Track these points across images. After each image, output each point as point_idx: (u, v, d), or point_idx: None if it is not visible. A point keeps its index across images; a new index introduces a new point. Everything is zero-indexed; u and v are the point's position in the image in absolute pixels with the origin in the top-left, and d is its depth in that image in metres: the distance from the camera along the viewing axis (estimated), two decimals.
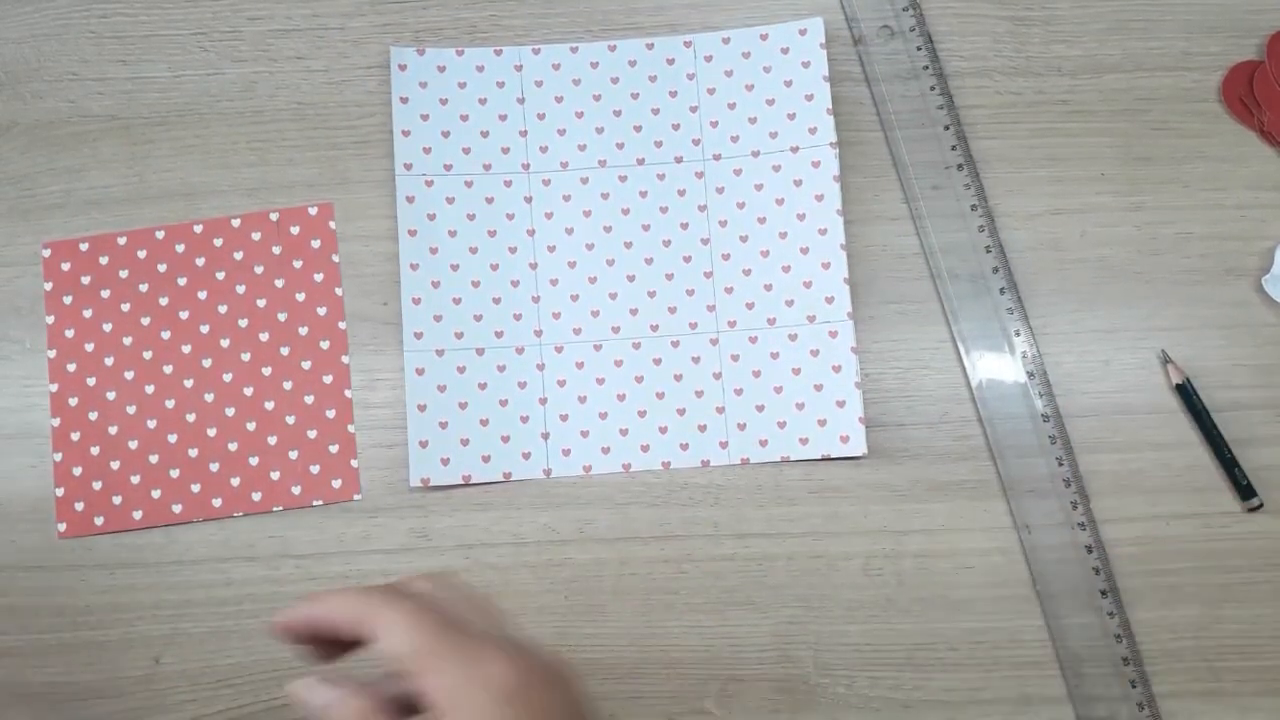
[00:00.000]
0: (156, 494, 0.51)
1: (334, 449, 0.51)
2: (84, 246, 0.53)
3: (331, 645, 0.33)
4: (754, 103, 0.54)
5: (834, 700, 0.49)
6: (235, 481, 0.51)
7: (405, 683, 0.30)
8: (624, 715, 0.49)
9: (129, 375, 0.52)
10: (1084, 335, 0.52)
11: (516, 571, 0.50)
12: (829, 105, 0.53)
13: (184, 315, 0.53)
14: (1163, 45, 0.54)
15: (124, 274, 0.53)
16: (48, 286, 0.53)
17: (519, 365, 0.52)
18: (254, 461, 0.51)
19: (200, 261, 0.53)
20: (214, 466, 0.51)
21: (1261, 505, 0.50)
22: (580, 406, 0.52)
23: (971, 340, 0.52)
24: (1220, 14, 0.55)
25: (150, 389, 0.52)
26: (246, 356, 0.52)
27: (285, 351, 0.52)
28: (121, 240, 0.53)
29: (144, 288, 0.53)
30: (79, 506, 0.51)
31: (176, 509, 0.51)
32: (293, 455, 0.51)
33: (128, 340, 0.52)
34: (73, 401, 0.52)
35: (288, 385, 0.52)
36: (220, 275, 0.53)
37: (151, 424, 0.52)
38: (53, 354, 0.52)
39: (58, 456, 0.51)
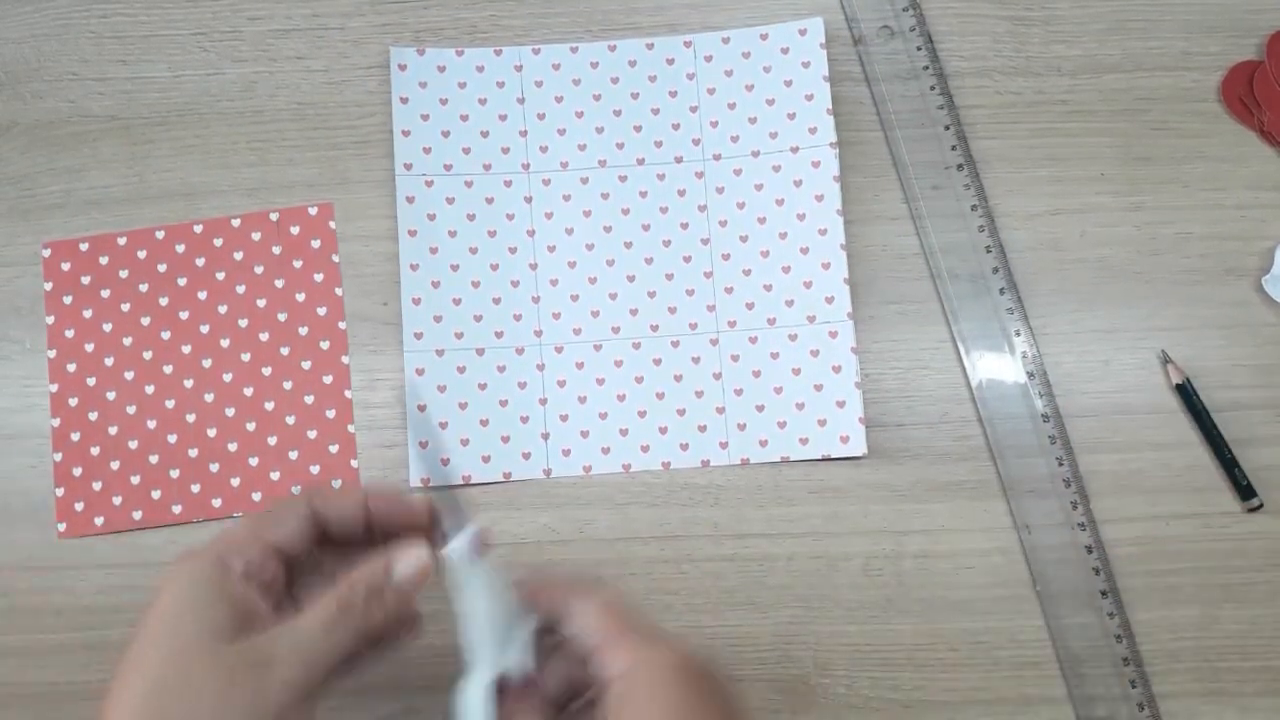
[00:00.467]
0: (156, 494, 0.51)
1: (334, 449, 0.51)
2: (84, 246, 0.53)
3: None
4: (754, 103, 0.54)
5: (834, 700, 0.49)
6: (235, 482, 0.51)
7: (590, 663, 0.35)
8: None
9: (129, 375, 0.52)
10: (1084, 335, 0.52)
11: (516, 572, 0.50)
12: (829, 105, 0.53)
13: (184, 315, 0.53)
14: (1163, 45, 0.54)
15: (124, 274, 0.53)
16: (48, 286, 0.53)
17: (519, 365, 0.52)
18: (254, 462, 0.51)
19: (200, 261, 0.53)
20: (214, 467, 0.51)
21: (1261, 505, 0.50)
22: (580, 407, 0.52)
23: (971, 340, 0.52)
24: (1220, 14, 0.55)
25: (150, 389, 0.52)
26: (246, 357, 0.52)
27: (285, 352, 0.52)
28: (121, 240, 0.53)
29: (144, 288, 0.53)
30: (79, 506, 0.51)
31: (176, 509, 0.51)
32: (293, 455, 0.51)
33: (128, 340, 0.52)
34: (73, 401, 0.52)
35: (288, 385, 0.52)
36: (220, 275, 0.53)
37: (151, 424, 0.52)
38: (53, 354, 0.52)
39: (58, 456, 0.51)
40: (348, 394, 0.52)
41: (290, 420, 0.52)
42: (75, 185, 0.54)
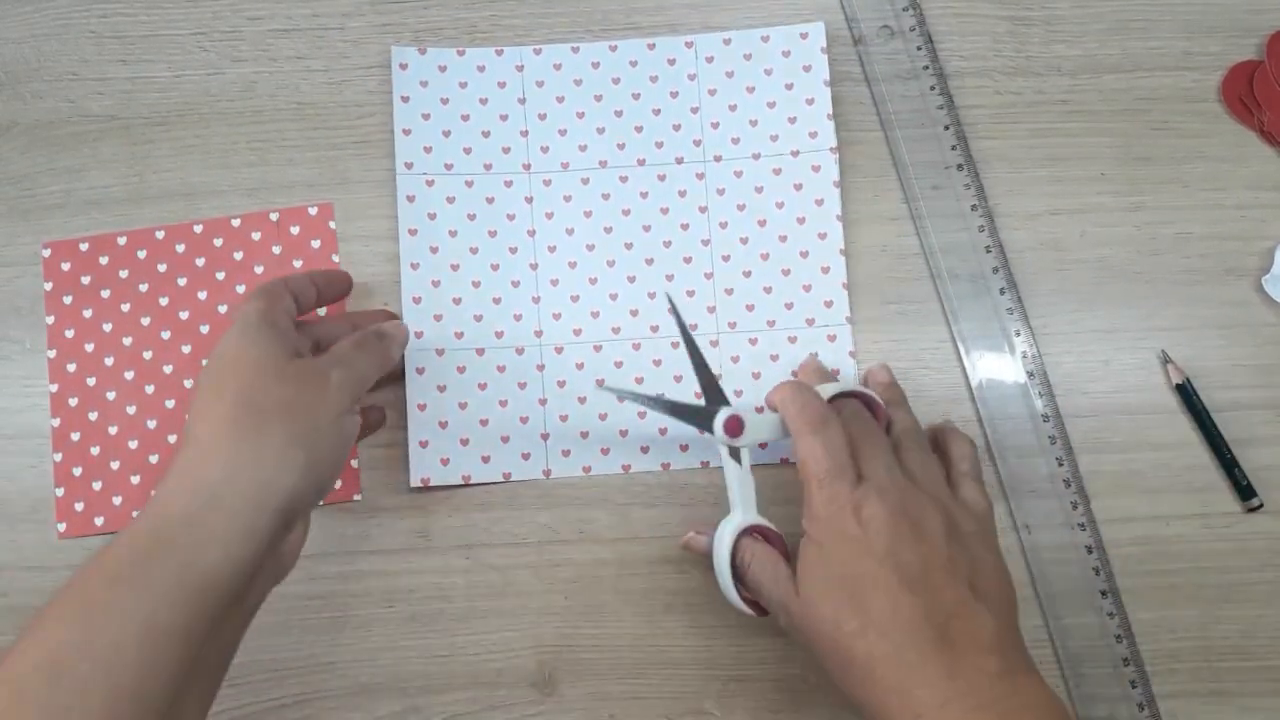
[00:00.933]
0: None
1: None
2: (84, 246, 0.53)
3: None
4: (755, 105, 0.54)
5: (834, 700, 0.49)
6: None
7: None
8: (624, 715, 0.49)
9: (129, 375, 0.52)
10: (1084, 335, 0.52)
11: (516, 571, 0.50)
12: (829, 110, 0.53)
13: (184, 315, 0.53)
14: (1163, 45, 0.54)
15: (124, 274, 0.53)
16: (48, 286, 0.53)
17: (519, 366, 0.52)
18: None
19: (200, 261, 0.53)
20: None
21: (1261, 505, 0.50)
22: (580, 408, 0.52)
23: (971, 340, 0.52)
24: (1220, 14, 0.55)
25: (150, 389, 0.52)
26: None
27: None
28: (121, 240, 0.53)
29: (144, 288, 0.53)
30: (79, 506, 0.51)
31: None
32: None
33: (128, 340, 0.52)
34: (73, 401, 0.52)
35: None
36: (220, 275, 0.53)
37: (151, 424, 0.52)
38: (53, 354, 0.52)
39: (58, 456, 0.51)
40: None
41: None
42: (75, 185, 0.54)
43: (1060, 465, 0.50)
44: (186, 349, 0.52)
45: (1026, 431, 0.51)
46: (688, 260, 0.53)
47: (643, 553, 0.51)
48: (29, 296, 0.53)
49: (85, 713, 0.33)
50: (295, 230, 0.53)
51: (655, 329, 0.52)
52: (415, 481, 0.51)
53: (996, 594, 0.41)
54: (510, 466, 0.51)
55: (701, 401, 0.46)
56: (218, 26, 0.55)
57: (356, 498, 0.51)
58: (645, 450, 0.51)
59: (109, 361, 0.52)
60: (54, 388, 0.52)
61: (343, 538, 0.51)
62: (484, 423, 0.51)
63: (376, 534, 0.51)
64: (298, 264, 0.53)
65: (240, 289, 0.53)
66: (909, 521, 0.41)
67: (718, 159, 0.53)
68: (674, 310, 0.46)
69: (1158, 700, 0.48)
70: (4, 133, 0.54)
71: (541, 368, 0.52)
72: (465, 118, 0.54)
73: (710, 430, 0.44)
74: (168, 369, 0.52)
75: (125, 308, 0.53)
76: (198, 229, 0.53)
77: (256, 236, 0.53)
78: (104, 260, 0.53)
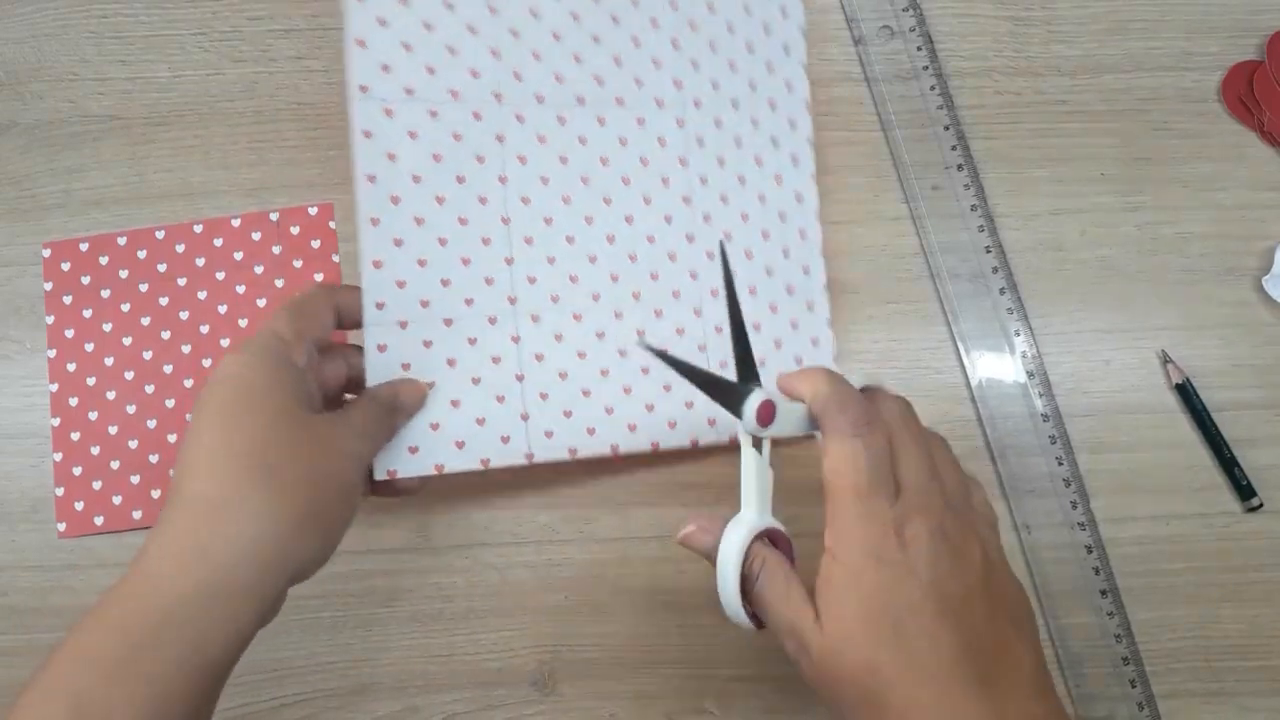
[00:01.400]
0: (156, 494, 0.51)
1: None
2: (84, 246, 0.53)
3: None
4: (734, 47, 0.51)
5: None
6: None
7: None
8: (624, 715, 0.49)
9: (129, 375, 0.52)
10: (1084, 335, 0.52)
11: (516, 571, 0.50)
12: (804, 60, 0.52)
13: (184, 315, 0.53)
14: (1163, 45, 0.54)
15: (124, 274, 0.53)
16: (48, 286, 0.53)
17: (492, 338, 0.46)
18: None
19: (200, 261, 0.53)
20: None
21: (1261, 505, 0.50)
22: (561, 384, 0.47)
23: (971, 340, 0.52)
24: (1220, 14, 0.55)
25: (150, 389, 0.52)
26: None
27: None
28: (121, 240, 0.53)
29: (144, 288, 0.53)
30: (79, 506, 0.51)
31: None
32: None
33: (128, 340, 0.52)
34: (73, 401, 0.52)
35: None
36: (220, 275, 0.53)
37: (151, 424, 0.52)
38: (53, 354, 0.52)
39: (58, 456, 0.51)
40: (346, 394, 0.52)
41: None
42: (75, 185, 0.54)
43: (1060, 465, 0.50)
44: (186, 349, 0.52)
45: (1026, 431, 0.51)
46: (668, 219, 0.49)
47: (643, 553, 0.51)
48: (29, 296, 0.53)
49: None
50: (295, 230, 0.53)
51: (637, 295, 0.49)
52: (381, 474, 0.44)
53: (1029, 624, 0.37)
54: (488, 452, 0.46)
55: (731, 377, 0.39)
56: (218, 26, 0.55)
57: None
58: (633, 429, 0.48)
59: (109, 361, 0.52)
60: (54, 388, 0.52)
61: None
62: (455, 404, 0.45)
63: (376, 534, 0.51)
64: (298, 264, 0.53)
65: (240, 289, 0.53)
66: (950, 545, 0.35)
67: (697, 104, 0.50)
68: (724, 258, 0.40)
69: (1157, 700, 0.48)
70: (4, 133, 0.54)
71: (517, 339, 0.47)
72: (428, 27, 0.46)
73: (739, 413, 0.38)
74: (168, 369, 0.52)
75: (125, 308, 0.53)
76: (198, 229, 0.53)
77: (256, 236, 0.53)
78: (104, 260, 0.53)
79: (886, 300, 0.52)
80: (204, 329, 0.52)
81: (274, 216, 0.53)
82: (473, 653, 0.50)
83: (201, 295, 0.53)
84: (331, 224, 0.53)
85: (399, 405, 0.43)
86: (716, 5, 0.51)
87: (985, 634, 0.34)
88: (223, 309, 0.53)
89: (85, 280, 0.53)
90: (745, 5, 0.52)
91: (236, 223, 0.53)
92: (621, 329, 0.48)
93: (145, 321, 0.52)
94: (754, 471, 0.39)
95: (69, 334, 0.52)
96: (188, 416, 0.51)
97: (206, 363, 0.52)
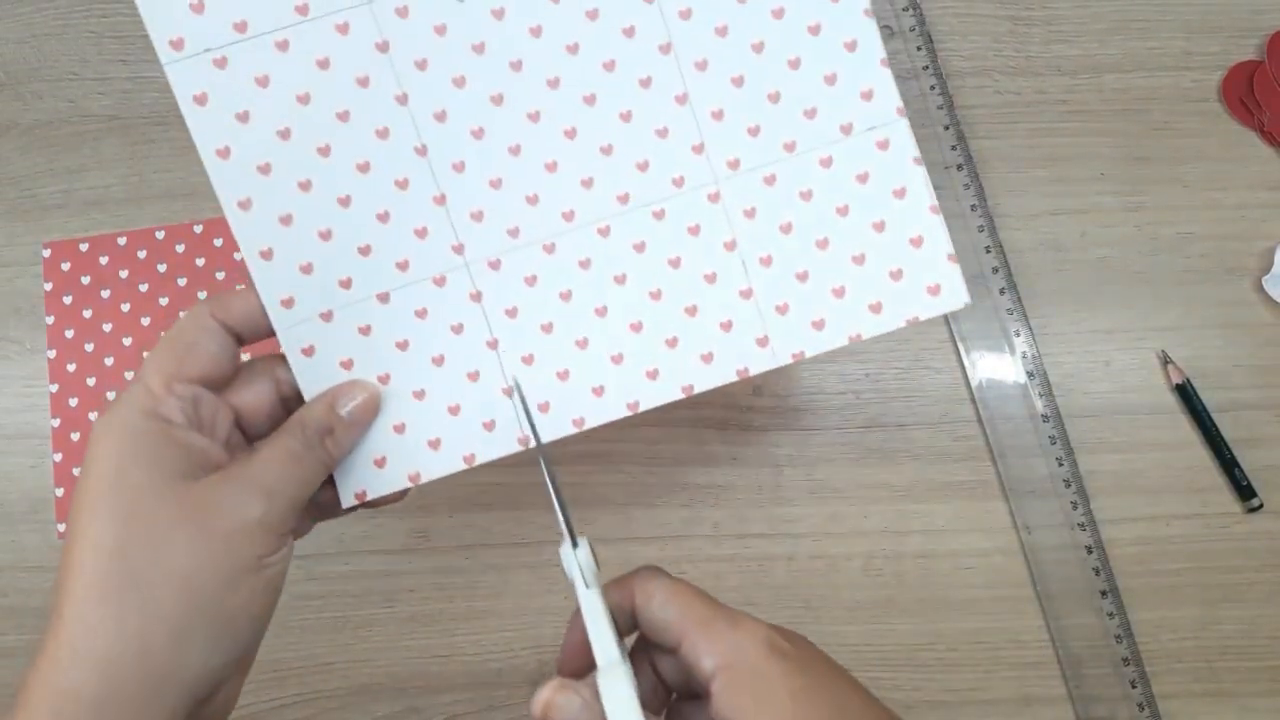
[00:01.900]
0: None
1: None
2: (84, 246, 0.53)
3: None
4: None
5: None
6: None
7: (681, 651, 0.31)
8: None
9: (129, 375, 0.52)
10: (1084, 335, 0.52)
11: (518, 571, 0.50)
12: None
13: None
14: (1163, 45, 0.54)
15: (124, 274, 0.53)
16: (48, 286, 0.53)
17: (444, 302, 0.36)
18: None
19: (200, 262, 0.53)
20: None
21: (1261, 505, 0.50)
22: (547, 338, 0.36)
23: (971, 340, 0.52)
24: (1220, 14, 0.55)
25: None
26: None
27: None
28: (121, 240, 0.53)
29: (144, 288, 0.53)
30: None
31: None
32: None
33: (128, 340, 0.52)
34: (73, 402, 0.52)
35: None
36: (220, 275, 0.53)
37: None
38: (53, 354, 0.52)
39: (58, 456, 0.51)
40: None
41: None
42: (75, 185, 0.54)
43: (1060, 465, 0.50)
44: None
45: (1026, 431, 0.51)
46: (645, 83, 0.35)
47: (643, 553, 0.51)
48: (29, 296, 0.53)
49: None
50: None
51: (624, 198, 0.36)
52: (348, 500, 0.36)
53: None
54: (471, 445, 0.36)
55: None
56: None
57: None
58: (654, 375, 0.36)
59: (109, 361, 0.52)
60: (54, 388, 0.52)
61: (343, 538, 0.51)
62: (419, 395, 0.36)
63: (376, 534, 0.51)
64: None
65: (240, 289, 0.53)
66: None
67: None
68: (526, 410, 0.33)
69: (1158, 700, 0.48)
70: (4, 133, 0.54)
71: (477, 295, 0.36)
72: None
73: (569, 559, 0.34)
74: None
75: (125, 308, 0.53)
76: (198, 229, 0.53)
77: None
78: (104, 260, 0.53)
79: None
80: None
81: None
82: (473, 653, 0.50)
83: (201, 295, 0.53)
84: None
85: (339, 420, 0.34)
86: None
87: None
88: None
89: (85, 280, 0.53)
90: None
91: None
92: (612, 249, 0.36)
93: (145, 322, 0.52)
94: (600, 609, 0.33)
95: (69, 334, 0.52)
96: None
97: None
